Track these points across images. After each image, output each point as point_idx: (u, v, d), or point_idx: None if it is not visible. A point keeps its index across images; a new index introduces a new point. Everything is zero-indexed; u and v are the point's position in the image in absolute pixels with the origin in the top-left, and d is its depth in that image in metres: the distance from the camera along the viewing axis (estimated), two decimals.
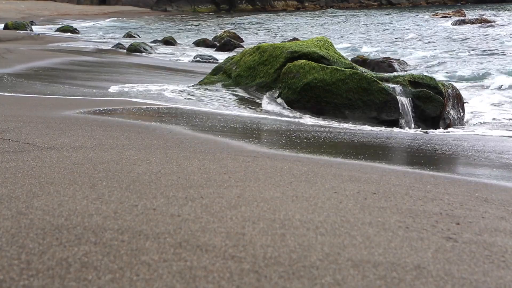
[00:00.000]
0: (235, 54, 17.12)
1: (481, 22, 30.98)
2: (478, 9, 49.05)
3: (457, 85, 10.44)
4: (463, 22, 31.70)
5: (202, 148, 4.37)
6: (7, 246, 2.12)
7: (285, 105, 8.44)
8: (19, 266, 1.97)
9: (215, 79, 10.04)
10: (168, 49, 22.42)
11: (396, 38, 26.17)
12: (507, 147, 6.10)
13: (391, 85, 8.21)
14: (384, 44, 23.83)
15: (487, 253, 2.38)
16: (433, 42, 23.66)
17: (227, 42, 22.67)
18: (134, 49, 19.48)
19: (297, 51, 9.19)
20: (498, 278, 2.14)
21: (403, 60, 16.87)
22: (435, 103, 8.09)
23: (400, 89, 8.18)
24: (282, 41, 21.28)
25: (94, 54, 17.02)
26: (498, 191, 3.61)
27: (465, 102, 9.14)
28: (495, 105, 10.03)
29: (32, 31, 29.38)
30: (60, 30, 31.30)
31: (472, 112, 9.19)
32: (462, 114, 8.58)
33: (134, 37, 28.89)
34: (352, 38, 27.85)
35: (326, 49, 9.50)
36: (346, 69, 8.42)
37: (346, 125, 7.50)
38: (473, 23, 31.20)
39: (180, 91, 9.30)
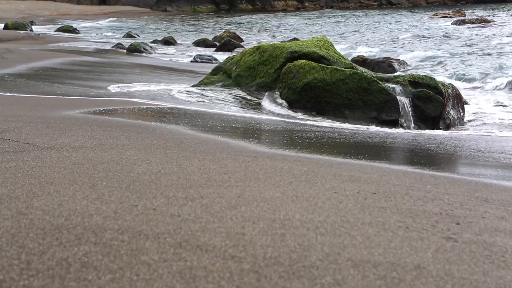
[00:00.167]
0: (235, 54, 17.13)
1: (481, 22, 30.98)
2: (478, 9, 49.05)
3: (457, 85, 10.44)
4: (463, 22, 31.70)
5: (202, 148, 4.37)
6: (7, 246, 2.12)
7: (285, 105, 8.44)
8: (19, 266, 1.97)
9: (215, 79, 10.04)
10: (168, 49, 22.43)
11: (396, 38, 26.16)
12: (507, 147, 6.10)
13: (391, 85, 8.21)
14: (383, 44, 23.83)
15: (487, 253, 2.38)
16: (433, 42, 23.66)
17: (227, 42, 22.68)
18: (134, 49, 19.48)
19: (297, 51, 9.19)
20: (498, 278, 2.14)
21: (403, 60, 16.87)
22: (435, 103, 8.09)
23: (400, 89, 8.18)
24: (282, 41, 21.28)
25: (94, 54, 17.02)
26: (498, 191, 3.61)
27: (465, 102, 9.14)
28: (495, 105, 10.03)
29: (32, 31, 29.39)
30: (60, 30, 31.32)
31: (472, 112, 9.19)
32: (462, 114, 8.58)
33: (134, 37, 28.90)
34: (352, 38, 27.85)
35: (326, 49, 9.50)
36: (346, 69, 8.42)
37: (346, 125, 7.50)
38: (473, 23, 31.20)
39: (180, 91, 9.30)
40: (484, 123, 8.42)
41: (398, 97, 8.06)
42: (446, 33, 26.97)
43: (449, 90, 8.45)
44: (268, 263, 2.11)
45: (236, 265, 2.07)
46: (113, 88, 9.41)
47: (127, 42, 23.03)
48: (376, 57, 17.43)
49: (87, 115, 6.01)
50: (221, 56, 18.27)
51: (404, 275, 2.08)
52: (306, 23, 41.10)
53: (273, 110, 8.29)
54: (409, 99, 8.11)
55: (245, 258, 2.14)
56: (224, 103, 8.50)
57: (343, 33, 30.94)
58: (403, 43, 23.85)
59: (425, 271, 2.14)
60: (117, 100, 7.71)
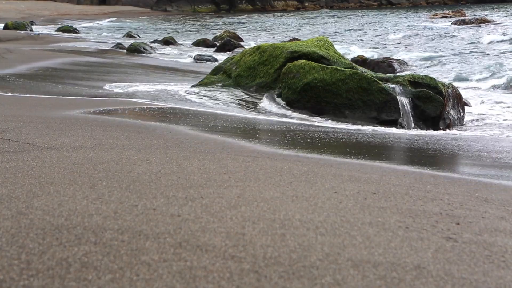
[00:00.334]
0: (235, 54, 17.12)
1: (481, 22, 30.96)
2: (478, 9, 49.06)
3: (457, 85, 10.44)
4: (463, 22, 31.68)
5: (202, 148, 4.37)
6: (7, 246, 2.13)
7: (285, 105, 8.44)
8: (19, 266, 1.97)
9: (215, 79, 10.04)
10: (168, 49, 22.43)
11: (395, 38, 26.16)
12: (507, 147, 6.10)
13: (391, 85, 8.21)
14: (383, 44, 23.83)
15: (487, 253, 2.38)
16: (433, 42, 23.66)
17: (227, 42, 22.67)
18: (134, 49, 19.48)
19: (297, 51, 9.19)
20: (498, 278, 2.14)
21: (403, 60, 16.87)
22: (435, 103, 8.09)
23: (400, 89, 8.18)
24: (282, 41, 21.28)
25: (94, 54, 17.02)
26: (498, 191, 3.61)
27: (465, 103, 9.13)
28: (495, 105, 10.02)
29: (32, 31, 29.38)
30: (60, 30, 31.31)
31: (472, 112, 9.19)
32: (462, 114, 8.57)
33: (134, 37, 28.89)
34: (351, 38, 27.85)
35: (326, 49, 9.50)
36: (346, 69, 8.42)
37: (346, 125, 7.50)
38: (473, 23, 31.18)
39: (180, 91, 9.30)
40: (485, 123, 8.42)
41: (398, 97, 8.06)
42: (446, 33, 26.96)
43: (449, 90, 8.45)
44: (268, 263, 2.11)
45: (236, 265, 2.07)
46: (113, 88, 9.41)
47: (127, 42, 23.03)
48: (376, 57, 17.42)
49: (87, 115, 6.01)
50: (221, 56, 18.28)
51: (404, 275, 2.08)
52: (306, 23, 41.11)
53: (273, 110, 8.29)
54: (409, 99, 8.11)
55: (245, 258, 2.14)
56: (224, 103, 8.50)
57: (343, 33, 30.93)
58: (403, 43, 23.85)
59: (425, 271, 2.14)
60: (117, 100, 7.72)
